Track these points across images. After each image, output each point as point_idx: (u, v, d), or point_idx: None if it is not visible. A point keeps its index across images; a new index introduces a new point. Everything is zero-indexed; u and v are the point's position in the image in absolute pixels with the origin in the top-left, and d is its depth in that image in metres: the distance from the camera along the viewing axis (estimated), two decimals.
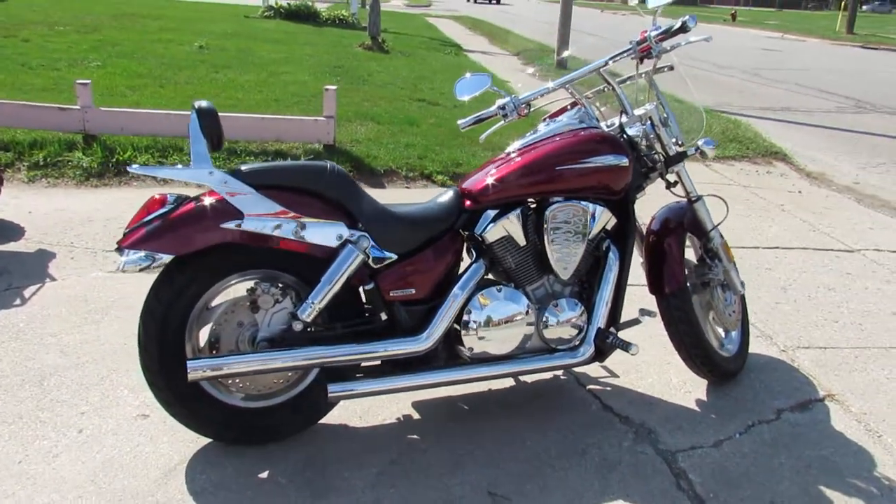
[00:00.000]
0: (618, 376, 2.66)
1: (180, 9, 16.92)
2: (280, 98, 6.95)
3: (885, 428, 2.46)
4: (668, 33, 2.23)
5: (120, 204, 4.22)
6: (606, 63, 2.34)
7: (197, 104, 1.93)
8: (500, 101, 2.44)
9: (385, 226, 2.06)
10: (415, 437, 2.24)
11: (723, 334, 2.69)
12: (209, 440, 2.13)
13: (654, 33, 2.25)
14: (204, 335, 2.07)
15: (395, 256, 2.07)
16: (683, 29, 2.17)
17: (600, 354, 2.31)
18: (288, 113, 6.10)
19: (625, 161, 2.26)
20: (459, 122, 2.54)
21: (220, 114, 1.97)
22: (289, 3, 15.93)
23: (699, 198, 2.54)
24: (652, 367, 2.72)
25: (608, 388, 2.58)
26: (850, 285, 3.71)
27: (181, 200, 1.94)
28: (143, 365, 1.98)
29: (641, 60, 2.34)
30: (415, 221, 2.12)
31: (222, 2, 19.59)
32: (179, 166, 2.02)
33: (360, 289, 2.09)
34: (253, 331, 2.06)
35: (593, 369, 2.65)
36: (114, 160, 4.80)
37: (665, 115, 2.45)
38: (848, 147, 7.38)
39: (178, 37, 10.85)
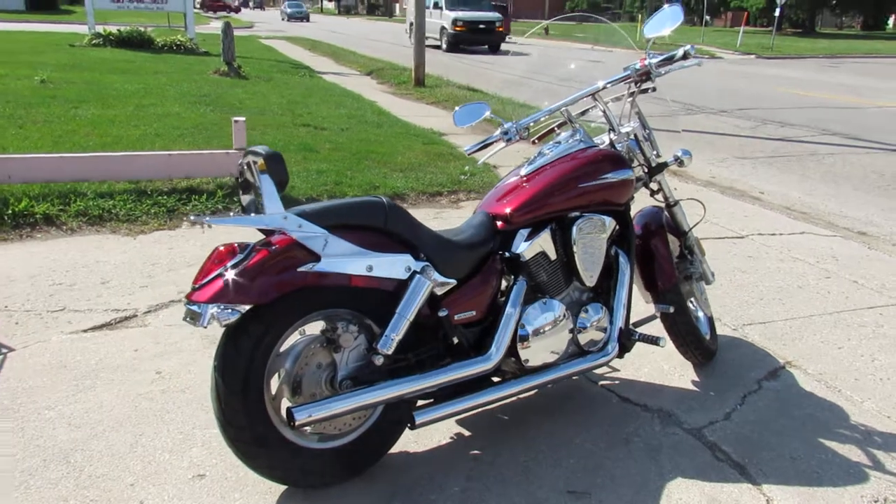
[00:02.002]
0: (618, 370, 2.91)
1: None
2: (161, 133, 6.60)
3: (839, 383, 2.91)
4: (671, 61, 2.51)
5: (34, 258, 3.86)
6: (604, 87, 2.57)
7: (261, 150, 1.91)
8: (505, 125, 2.60)
9: (443, 253, 2.14)
10: (475, 452, 2.33)
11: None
12: (283, 488, 2.09)
13: (655, 61, 2.52)
14: (275, 381, 2.03)
15: (454, 282, 2.17)
16: (685, 57, 2.46)
17: (623, 351, 2.54)
18: (177, 148, 5.83)
19: (631, 175, 2.51)
20: (466, 148, 2.67)
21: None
22: (119, 30, 14.93)
23: (677, 202, 2.87)
24: (642, 358, 3.00)
25: (617, 382, 2.83)
26: (756, 267, 4.26)
27: (252, 248, 1.91)
28: (226, 421, 1.91)
29: (636, 84, 2.61)
30: (465, 247, 2.22)
31: (36, 30, 17.93)
32: (253, 214, 1.97)
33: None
34: (330, 371, 2.05)
35: None
36: (9, 212, 4.34)
37: (647, 131, 2.74)
38: (690, 145, 8.31)
39: (11, 71, 9.86)
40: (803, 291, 3.90)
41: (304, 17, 49.20)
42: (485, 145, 2.65)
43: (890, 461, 2.38)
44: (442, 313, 2.11)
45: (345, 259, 1.95)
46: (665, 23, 2.51)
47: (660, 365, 2.97)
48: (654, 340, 2.52)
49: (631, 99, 2.67)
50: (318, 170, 5.63)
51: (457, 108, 2.72)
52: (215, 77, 10.93)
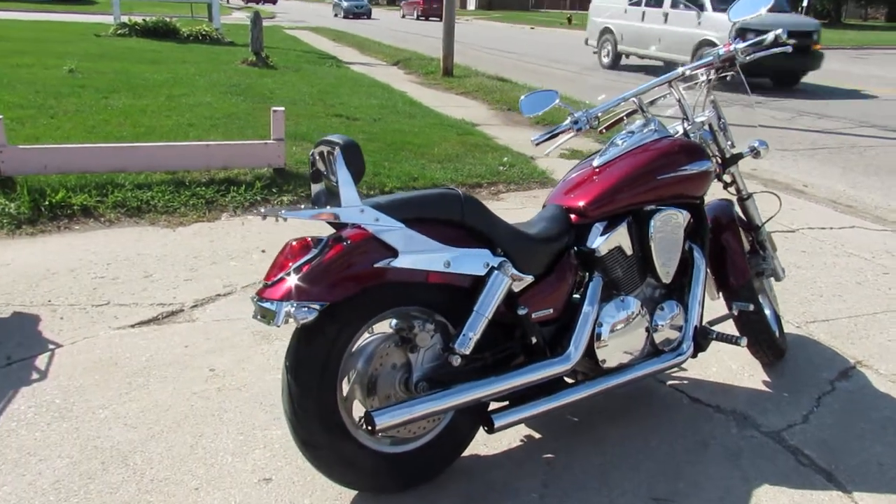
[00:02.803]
0: (686, 370, 2.80)
1: (21, 29, 15.38)
2: (194, 122, 6.54)
3: None
4: (760, 46, 2.38)
5: (73, 251, 3.80)
6: (683, 74, 2.45)
7: (337, 139, 1.82)
8: (575, 115, 2.48)
9: (521, 248, 2.04)
10: (549, 456, 2.24)
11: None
12: (353, 492, 2.01)
13: (741, 46, 2.40)
14: (345, 383, 1.95)
15: (532, 278, 2.07)
16: (776, 42, 2.33)
17: (697, 350, 2.43)
18: (211, 138, 5.77)
19: (710, 166, 2.40)
20: (534, 138, 2.57)
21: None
22: (144, 20, 14.92)
23: (750, 195, 2.74)
24: (709, 357, 2.88)
25: (685, 382, 2.72)
26: (812, 262, 4.12)
27: (326, 243, 1.82)
28: (298, 423, 1.83)
29: (716, 71, 2.48)
30: (542, 241, 2.12)
31: (61, 20, 17.99)
32: (328, 207, 1.88)
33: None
34: (404, 372, 1.96)
35: None
36: (46, 203, 4.30)
37: (722, 121, 2.61)
38: None
39: (39, 60, 9.86)
40: (863, 288, 3.76)
41: (366, 13, 38.54)
42: (553, 135, 2.54)
43: None
44: (521, 311, 2.01)
45: (422, 254, 1.85)
46: (756, 5, 2.37)
47: (728, 364, 2.86)
48: (734, 340, 2.41)
49: (707, 87, 2.55)
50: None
51: (523, 96, 2.61)
52: (244, 67, 10.87)
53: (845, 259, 4.20)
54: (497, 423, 1.96)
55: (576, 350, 2.09)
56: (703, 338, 2.41)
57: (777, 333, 2.82)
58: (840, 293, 3.68)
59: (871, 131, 8.60)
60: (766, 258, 2.78)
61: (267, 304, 1.74)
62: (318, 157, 1.92)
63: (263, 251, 3.91)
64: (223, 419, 2.35)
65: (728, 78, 2.55)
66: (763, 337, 2.68)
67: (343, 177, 1.79)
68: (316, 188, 1.96)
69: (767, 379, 2.77)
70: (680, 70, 2.47)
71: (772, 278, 2.88)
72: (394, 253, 1.82)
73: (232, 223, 4.37)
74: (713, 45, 10.74)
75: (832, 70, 15.66)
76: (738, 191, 2.73)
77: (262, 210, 1.79)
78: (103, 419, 2.33)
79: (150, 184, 4.70)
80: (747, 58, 2.40)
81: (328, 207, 1.81)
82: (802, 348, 3.04)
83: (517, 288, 2.03)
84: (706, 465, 2.21)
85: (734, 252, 2.62)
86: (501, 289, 1.95)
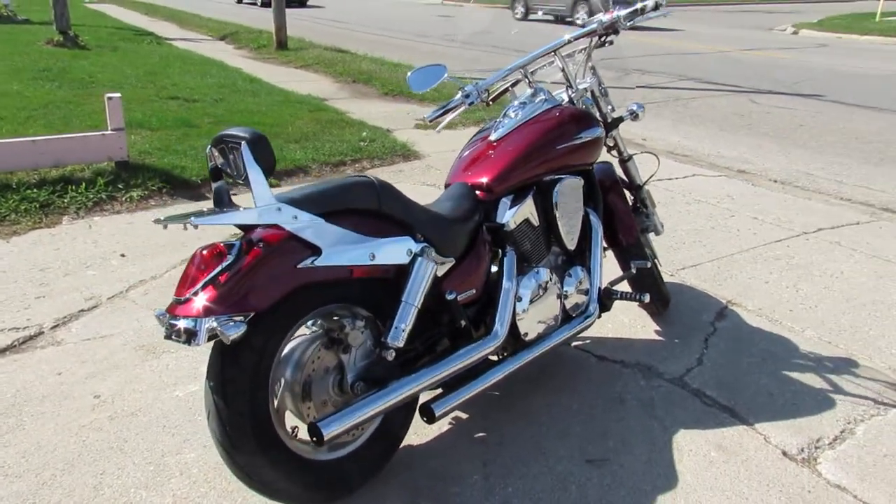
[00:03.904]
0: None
1: None
2: (4, 115, 5.75)
3: (778, 316, 3.09)
4: (641, 12, 2.44)
5: None
6: (568, 42, 2.48)
7: (241, 132, 1.65)
8: (466, 88, 2.45)
9: (440, 231, 1.99)
10: (480, 435, 2.23)
11: None
12: None
13: (623, 13, 2.45)
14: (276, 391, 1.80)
15: (453, 261, 2.02)
16: (656, 7, 2.40)
17: (602, 310, 2.52)
18: (30, 132, 5.12)
19: (601, 132, 2.46)
20: (426, 115, 2.50)
21: None
22: None
23: (630, 157, 2.86)
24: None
25: (588, 342, 2.82)
26: (668, 212, 4.42)
27: (241, 248, 1.65)
28: (233, 448, 1.67)
29: (599, 38, 2.53)
30: (457, 221, 2.07)
31: None
32: (241, 208, 1.69)
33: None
34: (337, 374, 1.85)
35: None
36: None
37: (602, 87, 2.69)
38: None
39: None
40: (717, 232, 4.11)
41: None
42: (446, 110, 2.49)
43: (846, 384, 2.55)
44: (450, 296, 1.96)
45: (346, 249, 1.75)
46: None
47: (620, 319, 3.01)
48: (637, 297, 2.52)
49: (588, 54, 2.60)
50: (206, 146, 5.14)
51: (410, 72, 2.53)
52: (50, 48, 9.71)
53: (696, 206, 4.56)
54: (438, 412, 1.91)
55: (502, 327, 2.08)
56: (607, 298, 2.51)
57: (662, 284, 3.00)
58: (699, 239, 3.99)
59: (691, 83, 9.37)
60: (648, 215, 2.93)
61: (184, 322, 1.57)
62: (216, 153, 1.73)
63: (123, 255, 3.55)
64: (125, 450, 2.11)
65: (608, 44, 2.62)
66: (654, 290, 2.83)
67: (254, 174, 1.63)
68: (216, 186, 1.77)
69: (658, 328, 2.95)
70: (565, 38, 2.51)
71: (651, 233, 3.05)
72: (317, 251, 1.70)
73: (77, 227, 3.91)
74: None
75: (664, 30, 16.86)
76: (620, 153, 2.84)
77: (164, 218, 1.60)
78: None
79: None
80: (628, 23, 2.48)
81: (241, 209, 1.65)
82: (680, 294, 3.26)
83: (440, 272, 1.98)
84: (628, 421, 2.31)
85: (622, 212, 2.74)
86: (428, 275, 1.89)
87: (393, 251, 1.84)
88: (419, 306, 1.87)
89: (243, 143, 1.62)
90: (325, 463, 1.87)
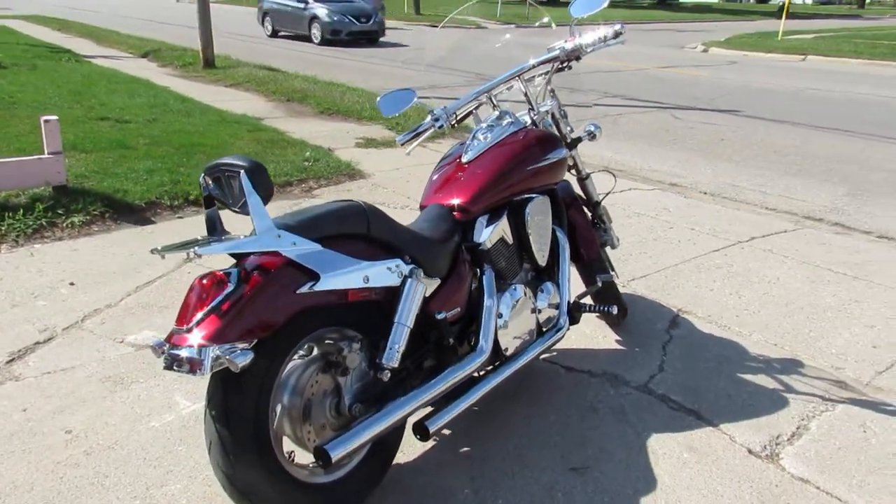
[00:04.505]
0: None
1: None
2: None
3: (725, 321, 3.28)
4: (604, 41, 2.56)
5: None
6: (532, 67, 2.59)
7: (238, 161, 1.66)
8: (436, 112, 2.52)
9: (426, 252, 2.04)
10: (464, 449, 2.29)
11: None
12: None
13: (585, 41, 2.57)
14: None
15: (439, 281, 2.08)
16: (616, 35, 2.53)
17: (572, 323, 2.63)
18: None
19: (566, 153, 2.58)
20: (398, 137, 2.56)
21: None
22: None
23: (588, 175, 3.00)
24: None
25: (555, 353, 2.92)
26: (613, 225, 4.60)
27: (240, 275, 1.66)
28: (239, 478, 1.66)
29: (562, 63, 2.64)
30: (440, 241, 2.13)
31: None
32: (241, 236, 1.68)
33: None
34: (333, 397, 1.87)
35: None
36: None
37: (562, 109, 2.81)
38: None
39: None
40: (659, 243, 4.32)
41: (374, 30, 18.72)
42: (416, 133, 2.55)
43: (795, 383, 2.74)
44: (440, 315, 2.02)
45: (341, 273, 1.78)
46: (592, 4, 2.54)
47: (582, 330, 3.13)
48: (606, 309, 2.64)
49: (548, 78, 2.72)
50: (147, 169, 5.03)
51: (380, 96, 2.58)
52: None
53: (636, 219, 4.77)
54: (432, 429, 1.96)
55: (486, 343, 2.15)
56: (577, 311, 2.62)
57: (620, 296, 3.14)
58: (644, 250, 4.18)
59: (617, 100, 9.75)
60: (606, 230, 3.07)
61: (186, 352, 1.56)
62: (210, 182, 1.73)
63: (72, 284, 3.42)
64: (106, 486, 2.06)
65: (567, 69, 2.74)
66: (615, 301, 2.97)
67: (254, 202, 1.65)
68: (209, 213, 1.77)
69: (618, 337, 3.09)
70: (530, 63, 2.61)
71: (608, 247, 3.19)
72: (314, 276, 1.72)
73: (17, 255, 3.75)
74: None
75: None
76: (578, 171, 2.97)
77: (160, 248, 1.59)
78: None
79: None
80: (589, 50, 2.61)
81: (241, 237, 1.65)
82: (634, 304, 3.42)
83: (428, 292, 2.04)
84: (603, 428, 2.41)
85: (583, 228, 2.86)
86: (418, 296, 1.94)
87: (385, 274, 1.89)
88: (412, 326, 1.91)
89: (242, 171, 1.64)
90: (324, 486, 1.88)
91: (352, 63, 12.94)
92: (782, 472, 2.21)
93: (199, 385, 2.58)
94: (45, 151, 4.33)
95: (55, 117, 4.35)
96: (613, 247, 3.19)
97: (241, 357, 1.54)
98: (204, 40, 10.72)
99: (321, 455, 1.70)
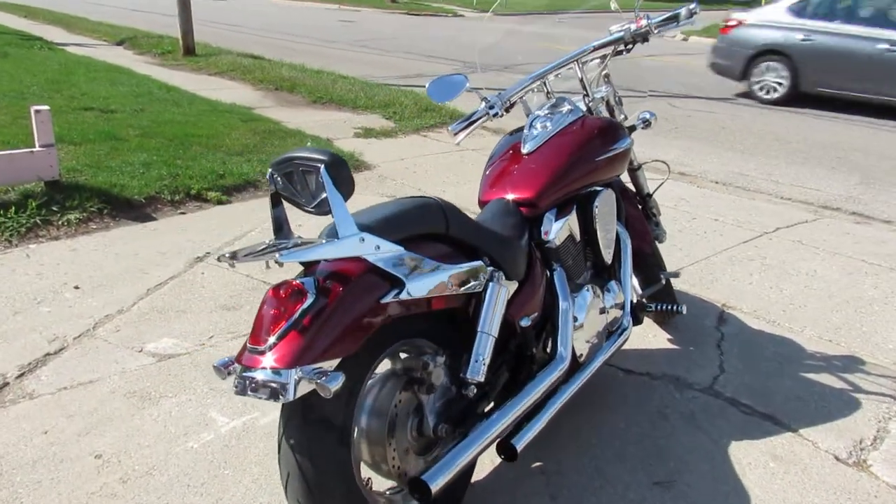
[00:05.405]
0: None
1: None
2: None
3: (773, 317, 3.15)
4: (675, 20, 2.38)
5: None
6: (594, 49, 2.40)
7: (318, 155, 1.44)
8: (490, 99, 2.32)
9: (505, 253, 1.85)
10: (538, 465, 2.11)
11: None
12: None
13: (655, 21, 2.38)
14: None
15: (516, 284, 1.89)
16: (690, 16, 2.35)
17: (636, 322, 2.46)
18: None
19: (630, 142, 2.40)
20: (451, 126, 2.34)
21: None
22: None
23: (640, 166, 2.83)
24: None
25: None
26: None
27: (319, 284, 1.45)
28: None
29: (625, 45, 2.46)
30: (516, 239, 1.94)
31: None
32: (324, 241, 1.47)
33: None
34: (415, 417, 1.67)
35: None
36: None
37: (618, 95, 2.63)
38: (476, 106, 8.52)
39: None
40: (686, 235, 4.18)
41: None
42: (470, 122, 2.34)
43: (862, 382, 2.62)
44: (524, 322, 1.83)
45: (425, 278, 1.58)
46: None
47: (633, 329, 2.96)
48: (674, 308, 2.48)
49: (605, 62, 2.54)
50: (142, 161, 4.74)
51: (429, 82, 2.37)
52: None
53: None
54: (519, 447, 1.77)
55: (566, 350, 1.97)
56: (640, 311, 2.45)
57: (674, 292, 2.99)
58: (673, 243, 4.02)
59: None
60: (657, 224, 2.91)
61: (264, 375, 1.35)
62: (281, 178, 1.52)
63: (77, 287, 3.17)
64: None
65: (625, 52, 2.56)
66: (669, 299, 2.81)
67: (336, 203, 1.44)
68: (276, 213, 1.55)
69: (670, 336, 2.93)
70: (591, 45, 2.43)
71: (664, 241, 3.03)
72: (398, 283, 1.52)
73: (12, 257, 3.47)
74: None
75: (530, 32, 17.23)
76: (630, 162, 2.80)
77: (228, 255, 1.36)
78: None
79: None
80: (658, 31, 2.43)
81: (324, 242, 1.44)
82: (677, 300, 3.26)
83: (508, 297, 1.85)
84: (678, 437, 2.26)
85: (638, 221, 2.69)
86: (502, 301, 1.75)
87: (469, 278, 1.69)
88: (496, 335, 1.73)
89: (322, 166, 1.42)
90: None
91: (337, 52, 12.61)
92: (877, 482, 2.07)
93: (235, 399, 2.36)
94: (36, 144, 4.03)
95: (46, 107, 4.05)
96: (661, 241, 3.03)
97: (333, 381, 1.34)
98: (184, 27, 10.31)
99: (418, 487, 1.51)
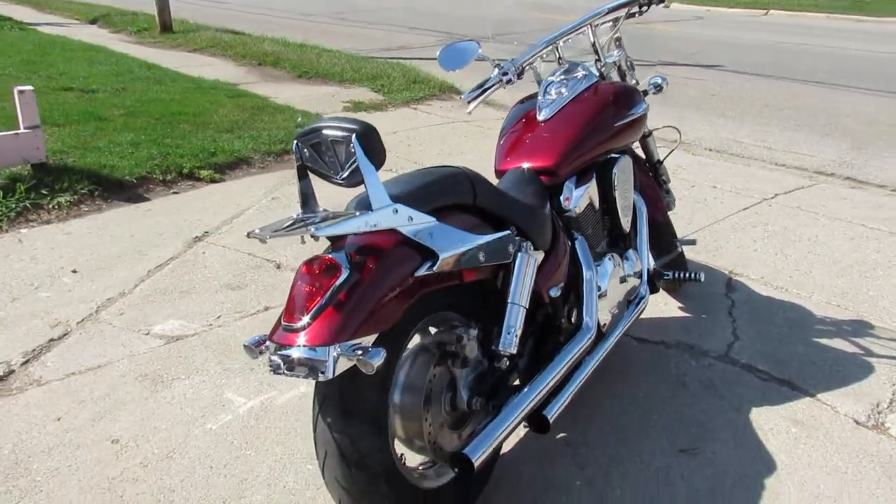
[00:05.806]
0: None
1: None
2: None
3: (780, 283, 3.15)
4: None
5: None
6: (608, 11, 2.35)
7: (352, 125, 1.39)
8: (503, 65, 2.26)
9: (531, 222, 1.81)
10: (562, 435, 2.10)
11: None
12: None
13: None
14: None
15: (543, 254, 1.86)
16: None
17: (653, 291, 2.45)
18: None
19: (646, 107, 2.36)
20: (464, 95, 2.28)
21: None
22: None
23: (651, 132, 2.79)
24: None
25: None
26: None
27: (351, 259, 1.40)
28: (360, 493, 1.43)
29: (640, 7, 2.41)
30: (540, 209, 1.90)
31: None
32: (357, 213, 1.42)
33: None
34: (449, 392, 1.64)
35: None
36: None
37: (629, 60, 2.59)
38: (466, 74, 8.43)
39: None
40: (687, 203, 4.16)
41: None
42: (484, 90, 2.28)
43: (873, 346, 2.63)
44: (553, 293, 1.80)
45: (457, 250, 1.54)
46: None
47: None
48: (693, 276, 2.47)
49: (618, 26, 2.49)
50: (130, 141, 4.62)
51: (440, 49, 2.31)
52: None
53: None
54: (551, 418, 1.75)
55: (591, 319, 1.95)
56: (657, 279, 2.43)
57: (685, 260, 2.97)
58: (675, 211, 3.96)
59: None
60: (668, 191, 2.88)
61: (301, 353, 1.31)
62: (308, 150, 1.46)
63: (75, 271, 3.09)
64: (175, 502, 1.80)
65: (638, 14, 2.51)
66: (681, 268, 2.79)
67: (369, 173, 1.39)
68: (303, 186, 1.50)
69: (680, 304, 2.93)
70: (604, 8, 2.37)
71: (673, 209, 3.01)
72: (431, 255, 1.48)
73: (4, 243, 3.38)
74: None
75: (553, 6, 17.06)
76: None
77: (258, 231, 1.31)
78: None
79: None
80: None
81: (357, 214, 1.39)
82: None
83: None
84: (699, 404, 2.25)
85: (650, 188, 2.67)
86: (531, 271, 1.72)
87: (499, 249, 1.65)
88: (526, 306, 1.70)
89: (353, 136, 1.37)
90: (436, 490, 1.67)
91: (316, 25, 12.38)
92: None
93: (250, 379, 2.32)
94: (21, 126, 3.91)
95: (30, 88, 3.92)
96: (670, 209, 3.01)
97: (375, 357, 1.30)
98: (160, 3, 10.06)
99: (460, 461, 1.48)
